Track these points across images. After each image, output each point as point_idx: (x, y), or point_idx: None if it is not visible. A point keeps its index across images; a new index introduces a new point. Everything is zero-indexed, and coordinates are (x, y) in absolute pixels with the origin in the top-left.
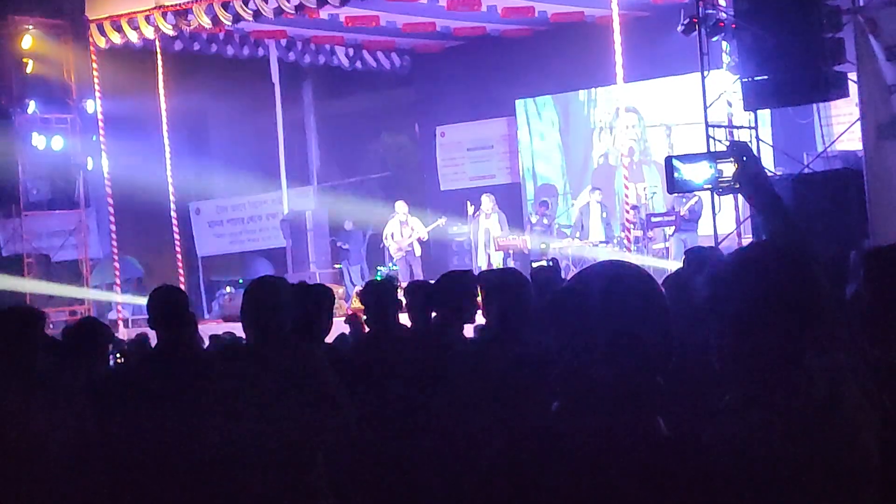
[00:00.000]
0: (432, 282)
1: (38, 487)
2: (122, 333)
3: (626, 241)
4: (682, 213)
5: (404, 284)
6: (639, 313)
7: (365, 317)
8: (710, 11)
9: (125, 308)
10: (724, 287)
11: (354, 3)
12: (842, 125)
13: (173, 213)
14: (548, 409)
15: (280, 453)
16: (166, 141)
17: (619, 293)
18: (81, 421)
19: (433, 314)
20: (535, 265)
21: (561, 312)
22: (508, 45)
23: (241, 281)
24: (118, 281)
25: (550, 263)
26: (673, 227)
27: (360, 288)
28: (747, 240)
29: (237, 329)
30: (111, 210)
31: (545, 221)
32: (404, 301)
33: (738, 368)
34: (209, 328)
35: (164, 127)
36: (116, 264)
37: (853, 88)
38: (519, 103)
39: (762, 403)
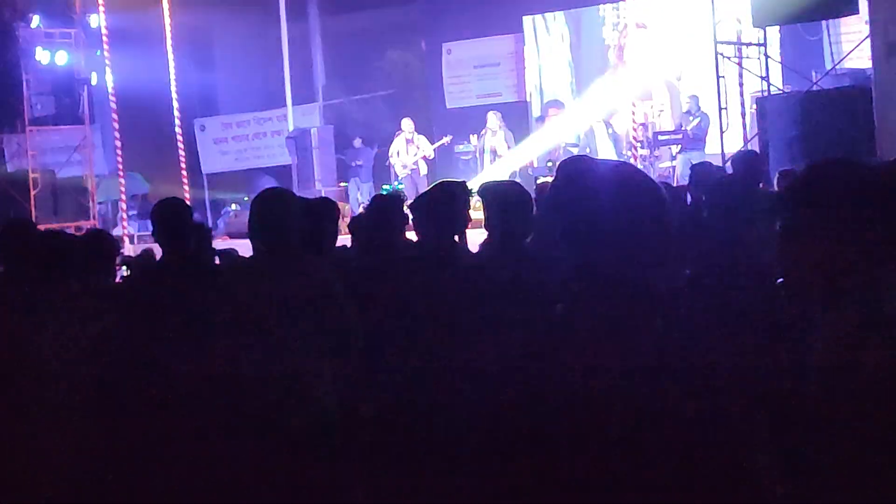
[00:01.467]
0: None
1: (48, 402)
2: (128, 249)
3: (632, 160)
4: (688, 132)
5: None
6: (644, 210)
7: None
8: None
9: (130, 223)
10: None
11: None
12: (851, 43)
13: (178, 130)
14: (553, 313)
15: (289, 369)
16: (170, 56)
17: (626, 187)
18: (91, 334)
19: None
20: (539, 181)
21: (569, 200)
22: None
23: (246, 198)
24: (123, 197)
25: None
26: (679, 146)
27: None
28: None
29: (242, 246)
30: (116, 126)
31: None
32: (410, 217)
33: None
34: (215, 245)
35: (168, 42)
36: (122, 180)
37: (863, 6)
38: (527, 20)
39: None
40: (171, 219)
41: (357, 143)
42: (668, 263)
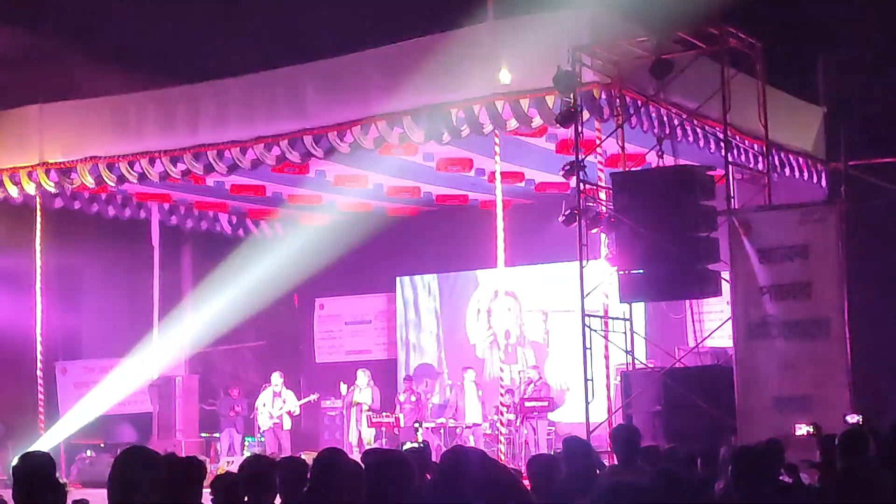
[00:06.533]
0: (304, 457)
1: None
2: None
3: (498, 425)
4: (553, 399)
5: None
6: None
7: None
8: (591, 204)
9: None
10: None
11: (241, 172)
12: (713, 322)
13: (39, 372)
14: None
15: None
16: (39, 298)
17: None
18: None
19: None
20: (406, 447)
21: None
22: (393, 222)
23: (102, 445)
24: None
25: (421, 445)
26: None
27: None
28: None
29: (95, 496)
30: None
31: (413, 399)
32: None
33: None
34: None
35: (38, 284)
36: None
37: (726, 287)
38: (400, 280)
39: None
40: (33, 476)
41: (235, 393)
42: None
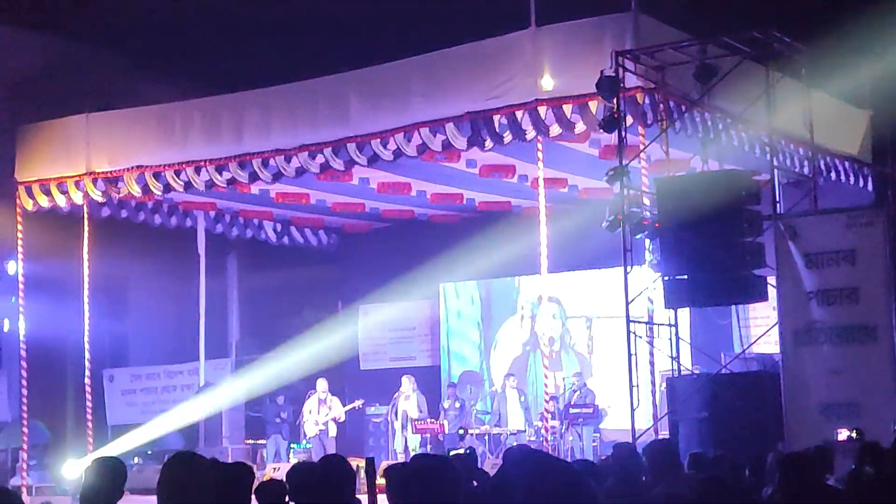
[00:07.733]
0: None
1: None
2: (25, 502)
3: (543, 431)
4: (598, 407)
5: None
6: None
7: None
8: (635, 210)
9: (30, 474)
10: None
11: (286, 180)
12: (760, 328)
13: (87, 380)
14: None
15: None
16: (86, 306)
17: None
18: None
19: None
20: (452, 453)
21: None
22: (436, 229)
23: (150, 452)
24: (25, 446)
25: (467, 451)
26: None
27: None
28: (664, 436)
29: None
30: (24, 374)
31: (457, 405)
32: None
33: None
34: None
35: (86, 292)
36: (25, 429)
37: (772, 292)
38: (443, 287)
39: None
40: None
41: (280, 399)
42: None
